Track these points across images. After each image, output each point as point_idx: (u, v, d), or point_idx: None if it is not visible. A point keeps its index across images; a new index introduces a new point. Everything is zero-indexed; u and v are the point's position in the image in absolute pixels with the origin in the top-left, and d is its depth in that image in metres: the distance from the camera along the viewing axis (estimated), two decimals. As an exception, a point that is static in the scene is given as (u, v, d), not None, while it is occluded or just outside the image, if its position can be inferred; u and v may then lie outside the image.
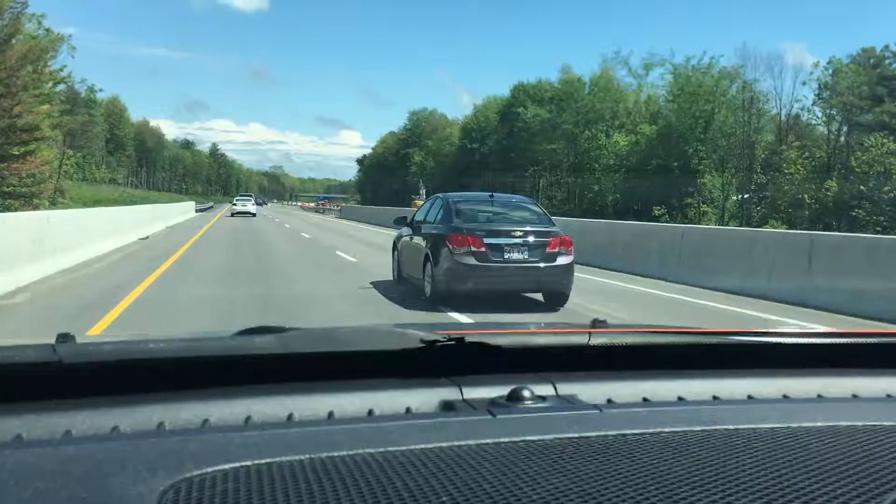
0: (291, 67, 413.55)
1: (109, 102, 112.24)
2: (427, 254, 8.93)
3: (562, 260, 8.65)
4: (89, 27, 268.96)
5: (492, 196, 9.70)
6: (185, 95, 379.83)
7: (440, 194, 10.27)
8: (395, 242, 11.21)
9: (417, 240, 9.63)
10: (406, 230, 10.44)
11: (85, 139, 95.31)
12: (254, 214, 46.30)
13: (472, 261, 8.33)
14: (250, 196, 56.64)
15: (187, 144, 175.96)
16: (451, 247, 8.41)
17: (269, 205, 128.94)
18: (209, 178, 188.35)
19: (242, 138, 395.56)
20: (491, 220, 9.10)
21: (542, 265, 8.52)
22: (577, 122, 61.39)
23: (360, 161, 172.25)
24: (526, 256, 8.49)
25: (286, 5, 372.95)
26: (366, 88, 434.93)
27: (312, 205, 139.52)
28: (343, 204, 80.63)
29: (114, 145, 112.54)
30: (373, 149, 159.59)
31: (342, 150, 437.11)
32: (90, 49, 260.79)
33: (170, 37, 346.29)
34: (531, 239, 8.57)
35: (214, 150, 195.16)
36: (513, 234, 8.55)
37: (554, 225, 9.14)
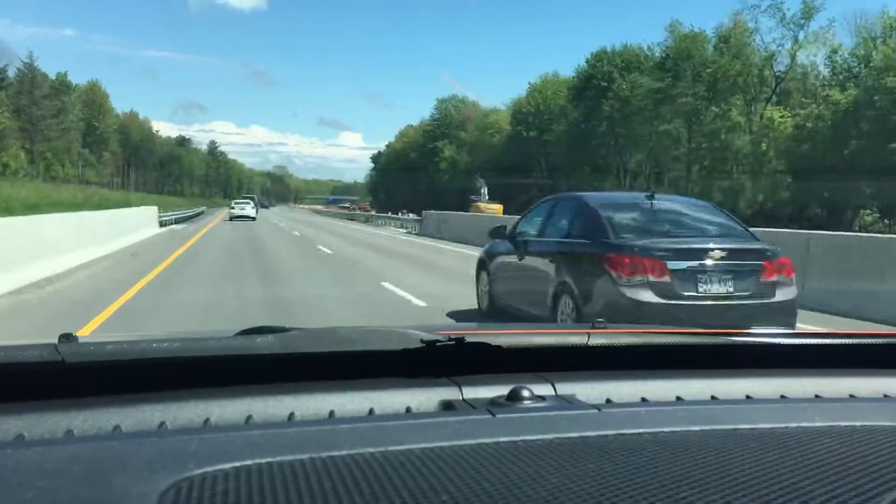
0: (291, 68, 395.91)
1: (87, 89, 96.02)
2: (563, 283, 5.87)
3: (783, 294, 5.61)
4: (86, 29, 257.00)
5: (651, 197, 6.22)
6: (183, 97, 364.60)
7: (563, 194, 7.95)
8: (481, 260, 7.87)
9: (534, 260, 6.54)
10: (503, 245, 7.37)
11: (53, 130, 79.28)
12: (253, 218, 42.36)
13: (650, 296, 5.23)
14: (249, 199, 51.10)
15: (182, 141, 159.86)
16: (613, 274, 5.38)
17: (276, 208, 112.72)
18: (207, 178, 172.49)
19: (243, 140, 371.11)
20: (666, 233, 5.83)
21: (757, 302, 5.45)
22: (696, 94, 44.89)
23: (374, 158, 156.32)
24: (731, 289, 5.43)
25: (283, 4, 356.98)
26: (367, 90, 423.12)
27: (321, 207, 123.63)
28: (401, 212, 52.09)
29: (92, 139, 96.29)
30: (387, 146, 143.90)
31: (343, 153, 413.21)
32: (88, 51, 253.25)
33: (166, 38, 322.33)
34: (736, 262, 5.51)
35: (213, 148, 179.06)
36: (708, 254, 5.45)
37: (759, 240, 6.04)
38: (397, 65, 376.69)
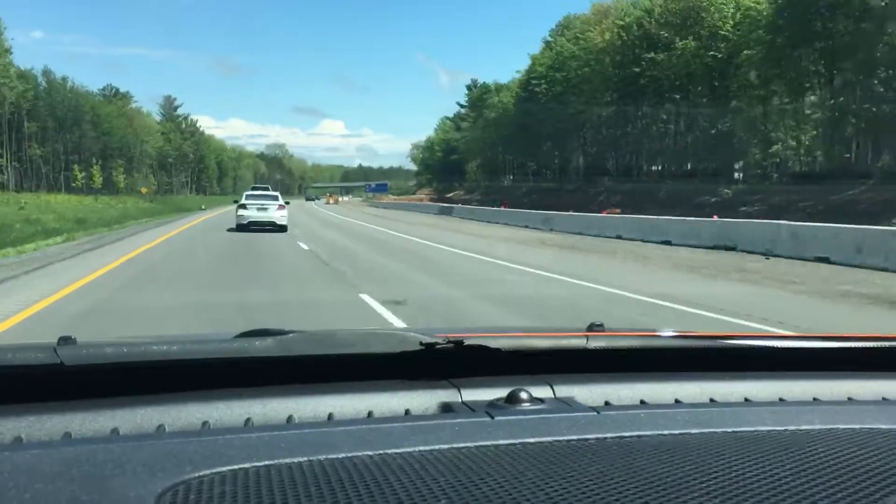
0: (265, 58, 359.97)
1: None
2: None
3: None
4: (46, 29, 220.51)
5: None
6: (153, 93, 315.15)
7: None
8: None
9: None
10: None
11: None
12: (283, 227, 22.68)
13: None
14: (265, 191, 26.76)
15: (113, 94, 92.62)
16: None
17: (316, 202, 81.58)
18: (165, 161, 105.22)
19: (223, 133, 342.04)
20: None
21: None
22: None
23: (462, 114, 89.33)
24: None
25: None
26: (342, 75, 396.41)
27: (342, 199, 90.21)
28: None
29: None
30: (477, 98, 76.99)
31: (326, 141, 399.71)
32: (52, 51, 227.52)
33: (129, 34, 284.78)
34: None
35: (171, 110, 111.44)
36: None
37: None
38: (373, 48, 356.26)
